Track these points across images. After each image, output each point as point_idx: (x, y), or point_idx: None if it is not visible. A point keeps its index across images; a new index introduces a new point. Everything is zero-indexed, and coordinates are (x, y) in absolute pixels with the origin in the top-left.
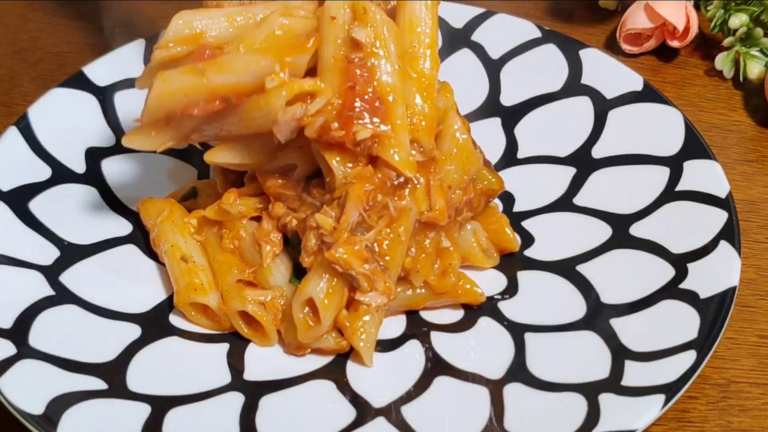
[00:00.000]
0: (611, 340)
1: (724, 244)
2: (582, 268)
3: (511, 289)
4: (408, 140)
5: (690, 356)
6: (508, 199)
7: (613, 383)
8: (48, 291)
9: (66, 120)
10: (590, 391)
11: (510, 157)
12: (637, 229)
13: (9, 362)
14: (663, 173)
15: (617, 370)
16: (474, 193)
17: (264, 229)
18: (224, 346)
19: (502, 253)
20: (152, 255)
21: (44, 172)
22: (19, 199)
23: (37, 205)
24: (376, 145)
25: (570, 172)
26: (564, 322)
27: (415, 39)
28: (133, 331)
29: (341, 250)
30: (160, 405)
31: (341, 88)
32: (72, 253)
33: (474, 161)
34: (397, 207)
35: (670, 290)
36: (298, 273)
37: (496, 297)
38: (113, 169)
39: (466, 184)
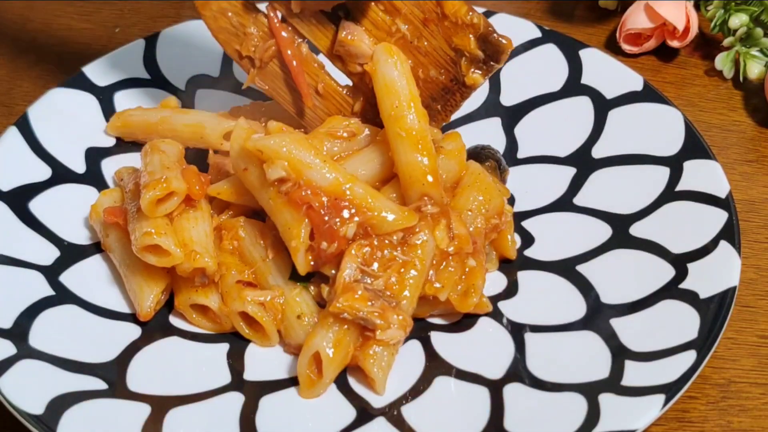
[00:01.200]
0: (611, 340)
1: (724, 244)
2: (582, 268)
3: (511, 289)
4: (385, 200)
5: (690, 356)
6: (508, 199)
7: (613, 383)
8: (48, 291)
9: (66, 120)
10: (590, 391)
11: (510, 157)
12: (637, 229)
13: (9, 362)
14: (663, 173)
15: (617, 370)
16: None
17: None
18: (224, 347)
19: (500, 257)
20: None
21: (44, 172)
22: (19, 199)
23: (37, 205)
24: (369, 228)
25: (570, 172)
26: (564, 322)
27: (395, 99)
28: (133, 331)
29: (341, 299)
30: (160, 405)
31: (301, 216)
32: (72, 253)
33: (495, 194)
34: (407, 252)
35: (670, 290)
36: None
37: (496, 297)
38: (113, 169)
39: (488, 213)
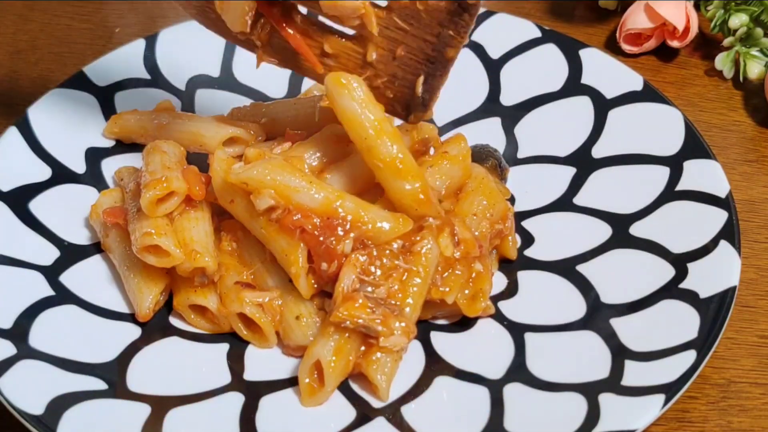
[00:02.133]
0: (611, 340)
1: (724, 244)
2: (582, 268)
3: (511, 289)
4: (378, 210)
5: (690, 356)
6: (508, 198)
7: (613, 383)
8: (48, 291)
9: (66, 120)
10: (590, 391)
11: (510, 157)
12: (637, 229)
13: (9, 362)
14: (663, 173)
15: (617, 370)
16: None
17: None
18: (224, 347)
19: (500, 257)
20: None
21: (44, 172)
22: (19, 199)
23: (37, 205)
24: (368, 241)
25: (570, 172)
26: (564, 322)
27: (362, 131)
28: (133, 331)
29: (341, 308)
30: (160, 405)
31: (296, 242)
32: (72, 253)
33: (499, 198)
34: (410, 260)
35: (670, 290)
36: None
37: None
38: (113, 169)
39: (493, 217)
